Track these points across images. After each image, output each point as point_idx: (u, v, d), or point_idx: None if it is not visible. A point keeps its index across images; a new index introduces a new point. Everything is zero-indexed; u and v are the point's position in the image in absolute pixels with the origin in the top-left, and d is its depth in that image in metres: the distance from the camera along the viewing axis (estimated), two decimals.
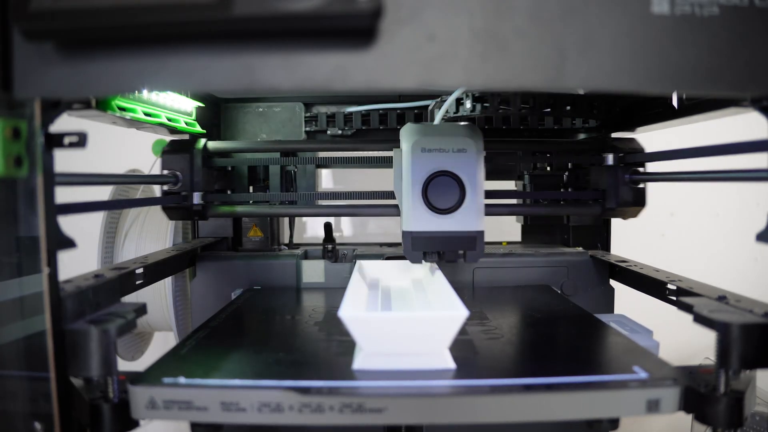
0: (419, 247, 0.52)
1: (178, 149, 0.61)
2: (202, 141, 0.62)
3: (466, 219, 0.52)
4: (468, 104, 0.65)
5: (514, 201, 0.76)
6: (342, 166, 0.85)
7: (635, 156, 0.60)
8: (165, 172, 0.60)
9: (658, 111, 0.58)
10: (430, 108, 0.70)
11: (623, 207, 0.60)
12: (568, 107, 0.64)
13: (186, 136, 0.68)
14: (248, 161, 0.70)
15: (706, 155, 0.46)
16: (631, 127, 0.66)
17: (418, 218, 0.52)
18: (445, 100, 0.65)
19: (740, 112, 0.45)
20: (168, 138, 0.72)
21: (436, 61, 0.30)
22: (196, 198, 0.60)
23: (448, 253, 0.53)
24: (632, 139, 0.62)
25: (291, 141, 0.74)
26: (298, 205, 0.71)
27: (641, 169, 0.60)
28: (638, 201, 0.60)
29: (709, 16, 0.30)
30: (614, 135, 0.69)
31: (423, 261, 0.53)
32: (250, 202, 0.70)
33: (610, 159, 0.60)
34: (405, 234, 0.52)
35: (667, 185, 1.05)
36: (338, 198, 0.59)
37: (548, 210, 0.66)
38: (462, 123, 0.59)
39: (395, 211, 0.56)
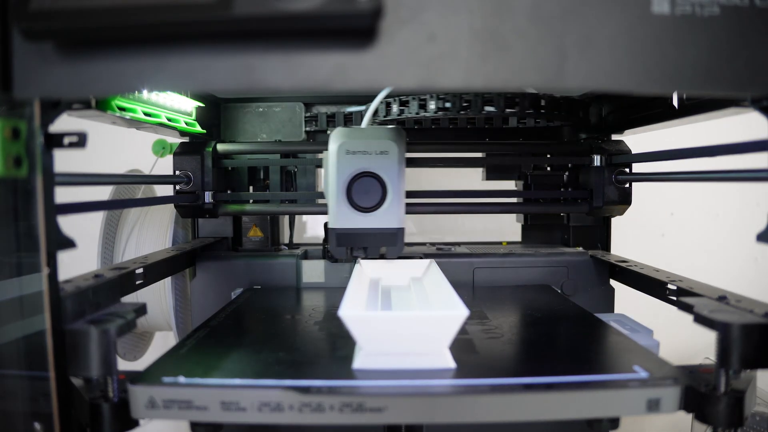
0: (344, 243, 0.57)
1: (189, 151, 0.66)
2: (212, 143, 0.67)
3: (387, 217, 0.56)
4: (432, 105, 0.63)
5: (507, 200, 0.76)
6: None
7: (621, 157, 0.64)
8: (177, 172, 0.65)
9: (657, 111, 0.58)
10: (363, 110, 0.72)
11: (609, 205, 0.65)
12: (532, 110, 0.64)
13: (186, 138, 0.70)
14: (258, 162, 0.72)
15: (693, 156, 0.47)
16: (620, 130, 0.69)
17: (342, 216, 0.56)
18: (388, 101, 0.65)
19: (740, 112, 0.45)
20: (167, 138, 0.73)
21: (436, 61, 0.30)
22: (207, 197, 0.65)
23: (371, 248, 0.57)
24: (620, 141, 0.66)
25: (297, 142, 0.76)
26: (301, 203, 0.72)
27: (627, 170, 0.65)
28: (624, 199, 0.66)
29: (709, 16, 0.30)
30: (615, 137, 0.71)
31: (345, 257, 0.58)
32: (251, 201, 0.70)
33: (597, 160, 0.65)
34: (330, 231, 0.57)
35: (666, 185, 1.05)
36: None
37: (540, 208, 0.70)
38: (389, 126, 0.62)
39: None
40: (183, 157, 0.66)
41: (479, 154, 0.73)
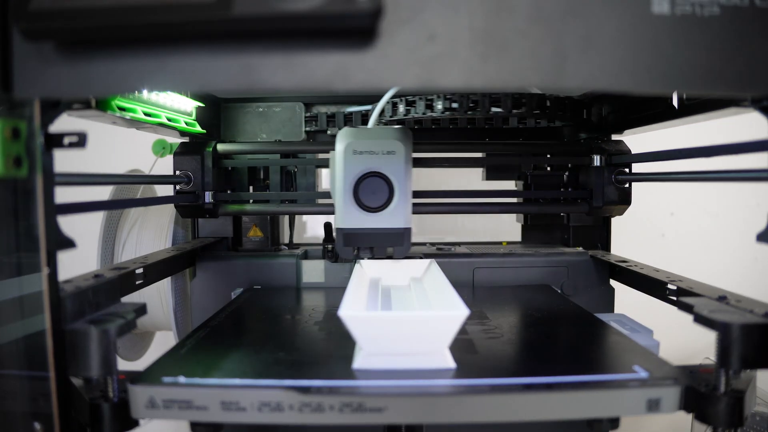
0: (350, 243, 0.57)
1: (189, 151, 0.66)
2: (213, 143, 0.67)
3: (394, 217, 0.56)
4: (440, 105, 0.65)
5: (507, 200, 0.76)
6: None
7: (620, 157, 0.65)
8: (178, 172, 0.66)
9: (657, 111, 0.58)
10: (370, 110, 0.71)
11: (609, 205, 0.66)
12: (538, 110, 0.65)
13: (186, 138, 0.70)
14: (258, 162, 0.72)
15: (693, 156, 0.47)
16: (620, 130, 0.70)
17: (349, 216, 0.56)
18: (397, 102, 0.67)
19: (740, 112, 0.45)
20: (167, 138, 0.73)
21: (436, 61, 0.30)
22: (208, 197, 0.66)
23: (377, 248, 0.58)
24: (619, 141, 0.66)
25: (297, 142, 0.76)
26: (301, 203, 0.72)
27: (627, 170, 0.65)
28: (624, 199, 0.66)
29: (709, 16, 0.30)
30: (617, 137, 0.71)
31: (351, 257, 0.58)
32: (251, 201, 0.70)
33: (596, 160, 0.66)
34: (337, 231, 0.57)
35: (667, 185, 1.05)
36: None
37: (539, 208, 0.70)
38: (395, 126, 0.62)
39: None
40: (183, 157, 0.66)
41: (479, 154, 0.73)
